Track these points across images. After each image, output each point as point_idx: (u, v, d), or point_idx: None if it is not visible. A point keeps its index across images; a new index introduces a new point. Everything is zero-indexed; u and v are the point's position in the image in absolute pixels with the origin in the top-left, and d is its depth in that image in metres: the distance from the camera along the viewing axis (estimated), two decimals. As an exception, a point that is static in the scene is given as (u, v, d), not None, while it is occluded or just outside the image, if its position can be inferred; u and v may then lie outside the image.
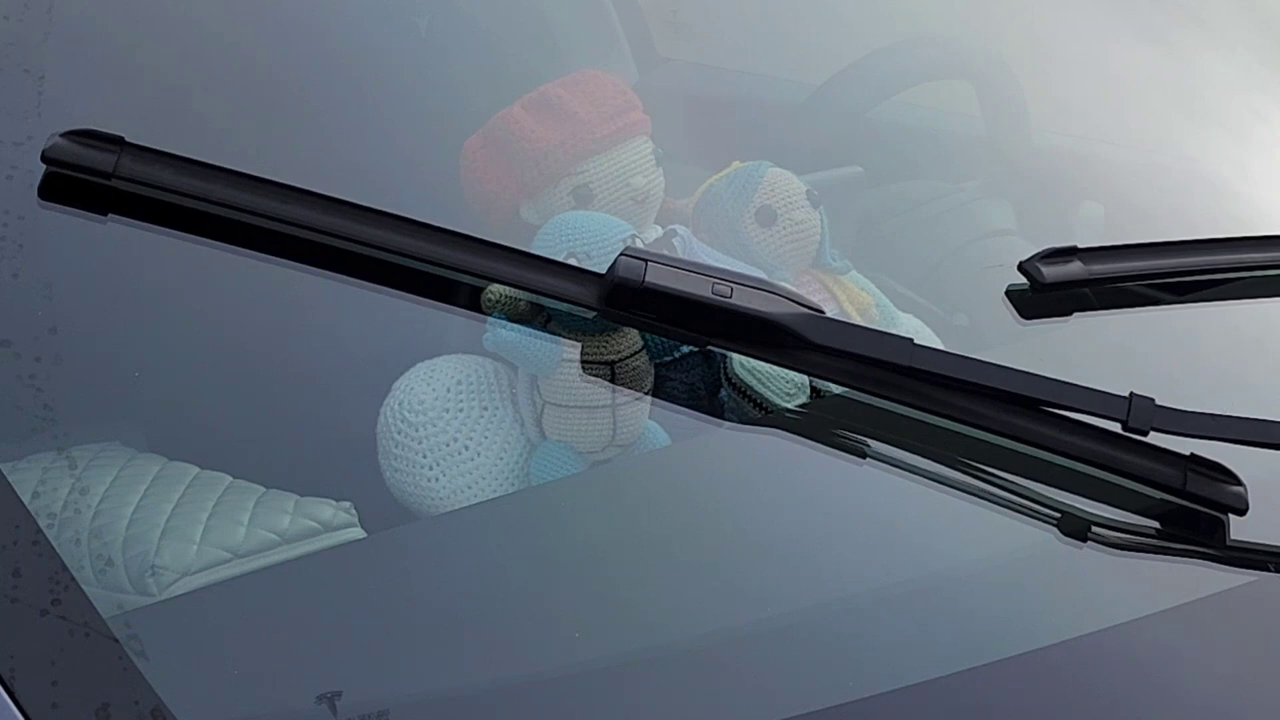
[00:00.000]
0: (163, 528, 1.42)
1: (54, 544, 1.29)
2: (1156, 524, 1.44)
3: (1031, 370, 1.39)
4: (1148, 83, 2.17)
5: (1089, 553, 1.44)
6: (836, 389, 1.45)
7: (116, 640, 1.22)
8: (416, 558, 1.43)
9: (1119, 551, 1.45)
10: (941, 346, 1.51)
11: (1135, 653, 1.38)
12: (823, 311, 1.40)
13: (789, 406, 1.48)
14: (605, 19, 2.57)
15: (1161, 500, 1.42)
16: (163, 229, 1.43)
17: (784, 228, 1.65)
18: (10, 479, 1.31)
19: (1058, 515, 1.44)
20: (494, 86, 1.89)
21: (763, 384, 1.48)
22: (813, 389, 1.49)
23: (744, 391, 1.48)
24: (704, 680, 1.32)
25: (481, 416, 1.52)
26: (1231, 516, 1.42)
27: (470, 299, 1.45)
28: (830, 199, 1.71)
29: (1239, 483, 1.41)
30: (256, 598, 1.38)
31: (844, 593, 1.41)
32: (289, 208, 1.39)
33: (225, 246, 1.43)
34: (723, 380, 1.50)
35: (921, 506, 1.46)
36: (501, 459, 1.51)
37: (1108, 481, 1.42)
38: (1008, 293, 1.57)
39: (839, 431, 1.48)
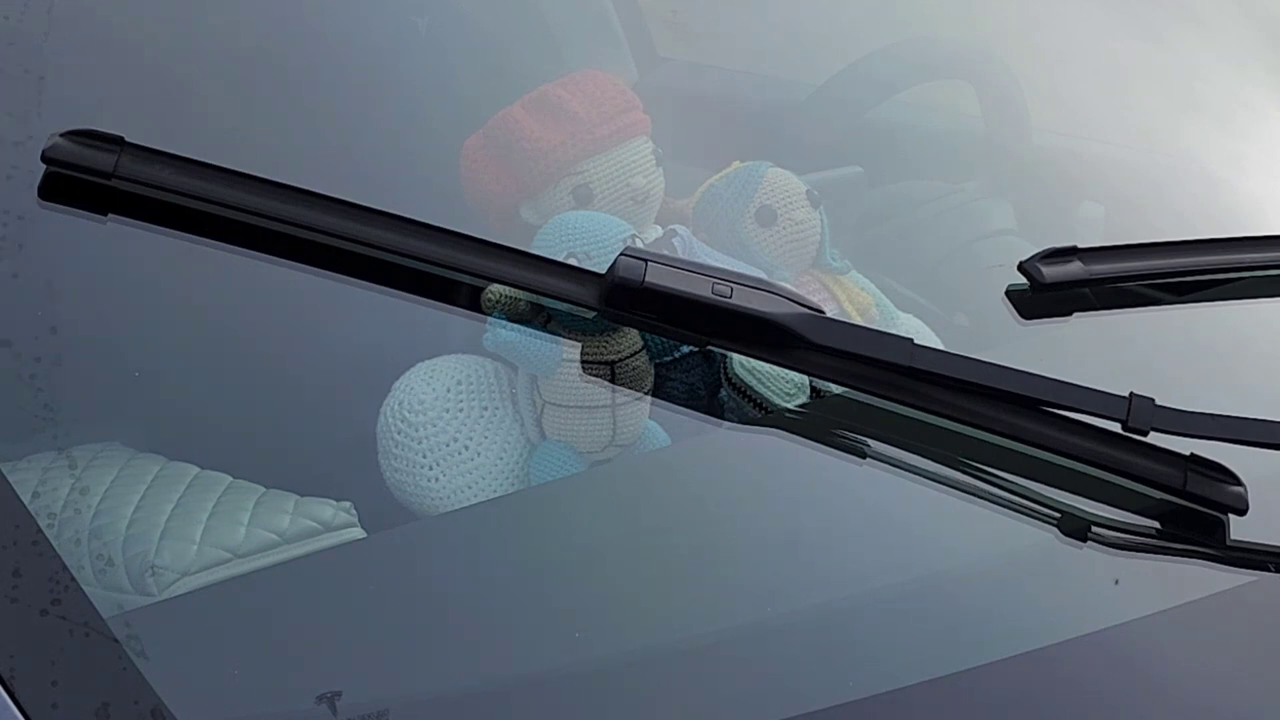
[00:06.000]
0: (163, 528, 1.42)
1: (54, 544, 1.29)
2: (1156, 524, 1.44)
3: (1031, 370, 1.39)
4: (1148, 82, 2.17)
5: (1089, 553, 1.44)
6: (836, 389, 1.45)
7: (116, 640, 1.22)
8: (416, 558, 1.43)
9: (1119, 551, 1.45)
10: (941, 346, 1.51)
11: (1135, 653, 1.38)
12: (823, 311, 1.40)
13: (789, 406, 1.48)
14: (605, 19, 2.57)
15: (1161, 500, 1.42)
16: (163, 229, 1.43)
17: (784, 228, 1.65)
18: (10, 479, 1.31)
19: (1058, 515, 1.44)
20: (494, 86, 1.89)
21: (763, 384, 1.48)
22: (813, 389, 1.49)
23: (744, 391, 1.48)
24: (704, 680, 1.32)
25: (481, 416, 1.52)
26: (1231, 516, 1.42)
27: (470, 299, 1.45)
28: (830, 199, 1.71)
29: (1239, 483, 1.41)
30: (256, 598, 1.38)
31: (844, 593, 1.41)
32: (289, 208, 1.39)
33: (225, 246, 1.43)
34: (723, 380, 1.50)
35: (921, 506, 1.46)
36: (501, 459, 1.51)
37: (1108, 481, 1.42)
38: (1008, 293, 1.57)
39: (839, 431, 1.48)
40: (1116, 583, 1.41)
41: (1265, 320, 1.70)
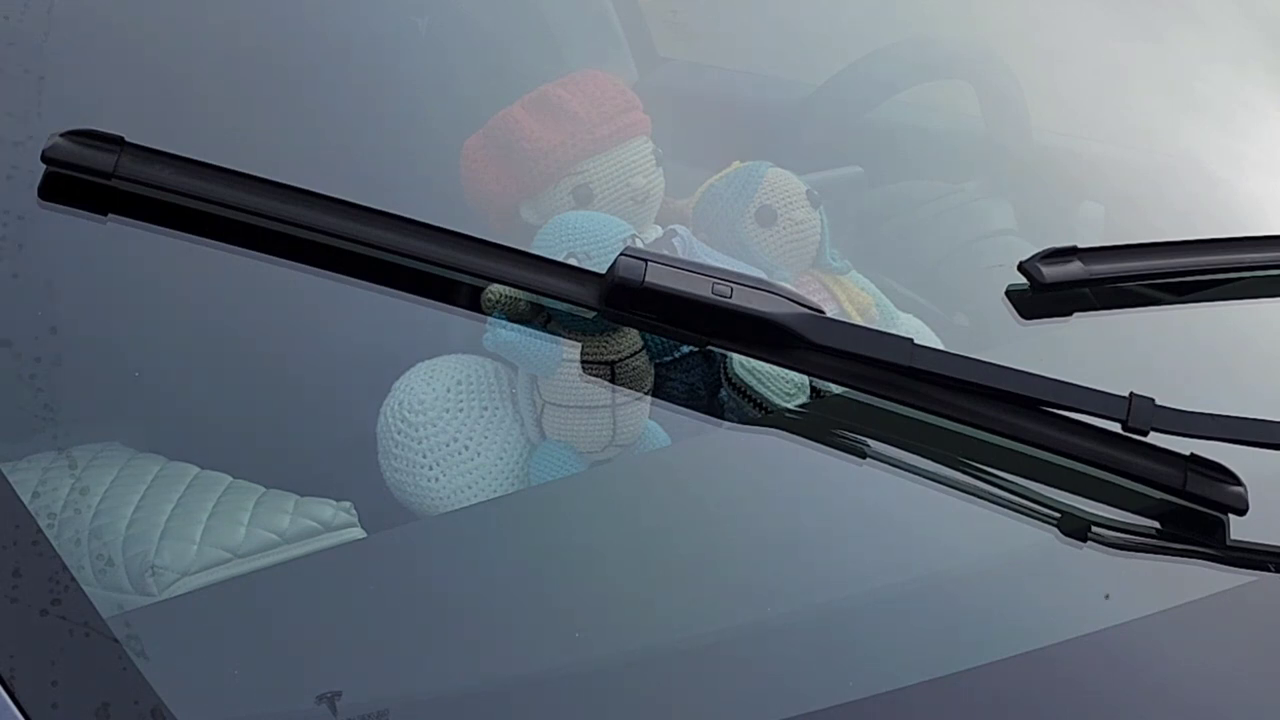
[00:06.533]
0: (163, 528, 1.42)
1: (54, 544, 1.29)
2: (1156, 524, 1.44)
3: (1031, 370, 1.39)
4: (1148, 82, 2.17)
5: (1089, 553, 1.44)
6: (836, 389, 1.45)
7: (116, 640, 1.22)
8: (416, 558, 1.43)
9: (1119, 551, 1.45)
10: (941, 346, 1.52)
11: (1135, 653, 1.38)
12: (823, 311, 1.40)
13: (789, 406, 1.48)
14: (605, 19, 2.57)
15: (1161, 500, 1.42)
16: (163, 229, 1.43)
17: (784, 228, 1.65)
18: (10, 479, 1.31)
19: (1058, 515, 1.44)
20: (494, 86, 1.89)
21: (763, 384, 1.48)
22: (813, 389, 1.49)
23: (744, 391, 1.48)
24: (704, 680, 1.32)
25: (481, 416, 1.52)
26: (1231, 516, 1.42)
27: (470, 299, 1.45)
28: (830, 199, 1.71)
29: (1239, 483, 1.41)
30: (256, 598, 1.38)
31: (844, 593, 1.41)
32: (289, 208, 1.39)
33: (225, 246, 1.43)
34: (723, 380, 1.50)
35: (921, 506, 1.46)
36: (501, 459, 1.51)
37: (1108, 481, 1.42)
38: (1008, 293, 1.57)
39: (839, 431, 1.48)
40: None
41: (1265, 320, 1.70)
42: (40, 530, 1.29)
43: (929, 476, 1.44)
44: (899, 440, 1.44)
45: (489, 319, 1.47)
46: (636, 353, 1.48)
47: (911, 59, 2.28)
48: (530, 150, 1.61)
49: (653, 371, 1.49)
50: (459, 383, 1.52)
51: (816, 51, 2.36)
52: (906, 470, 1.45)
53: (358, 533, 1.45)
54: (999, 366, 1.39)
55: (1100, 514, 1.44)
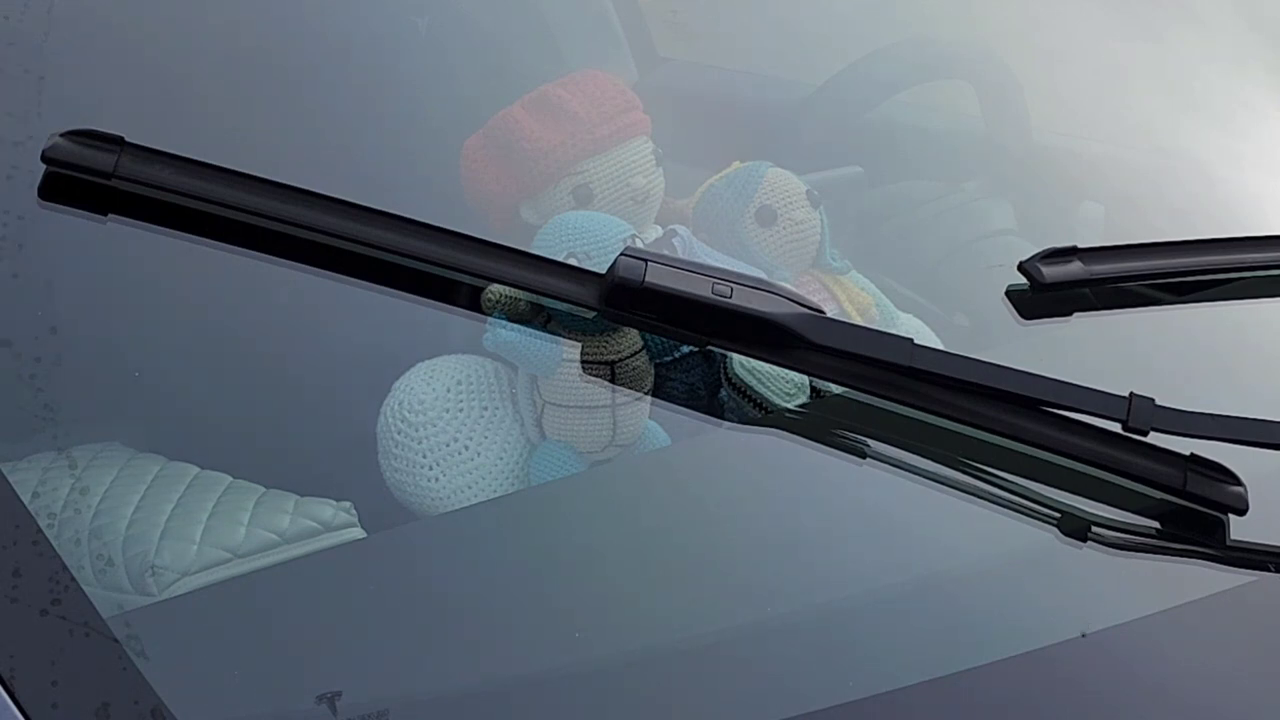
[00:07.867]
0: (163, 528, 1.42)
1: (54, 544, 1.29)
2: (1156, 524, 1.44)
3: (1031, 370, 1.39)
4: (1148, 82, 2.17)
5: (1089, 553, 1.44)
6: (836, 389, 1.45)
7: (116, 640, 1.22)
8: (416, 558, 1.43)
9: (1119, 551, 1.45)
10: (941, 346, 1.52)
11: (1135, 653, 1.38)
12: (823, 311, 1.40)
13: (789, 406, 1.48)
14: (605, 19, 2.57)
15: (1161, 500, 1.42)
16: (163, 229, 1.43)
17: (784, 228, 1.65)
18: (10, 479, 1.31)
19: (1058, 515, 1.44)
20: (494, 86, 1.89)
21: (763, 384, 1.48)
22: (813, 389, 1.49)
23: (744, 391, 1.48)
24: (704, 680, 1.32)
25: (481, 416, 1.52)
26: (1231, 516, 1.42)
27: (470, 299, 1.45)
28: (830, 199, 1.71)
29: (1239, 483, 1.41)
30: (256, 598, 1.38)
31: (844, 593, 1.41)
32: (289, 208, 1.39)
33: (225, 246, 1.43)
34: (723, 380, 1.50)
35: (921, 506, 1.46)
36: (501, 459, 1.51)
37: (1108, 481, 1.42)
38: (1008, 293, 1.57)
39: (839, 431, 1.48)
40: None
41: (1265, 320, 1.70)
42: (40, 530, 1.29)
43: (929, 476, 1.44)
44: (899, 440, 1.44)
45: (489, 319, 1.47)
46: (636, 353, 1.48)
47: (911, 59, 2.28)
48: (530, 150, 1.61)
49: (653, 371, 1.50)
50: (459, 383, 1.52)
51: (816, 51, 2.36)
52: (906, 470, 1.45)
53: (358, 533, 1.45)
54: (999, 366, 1.39)
55: (1100, 514, 1.44)
